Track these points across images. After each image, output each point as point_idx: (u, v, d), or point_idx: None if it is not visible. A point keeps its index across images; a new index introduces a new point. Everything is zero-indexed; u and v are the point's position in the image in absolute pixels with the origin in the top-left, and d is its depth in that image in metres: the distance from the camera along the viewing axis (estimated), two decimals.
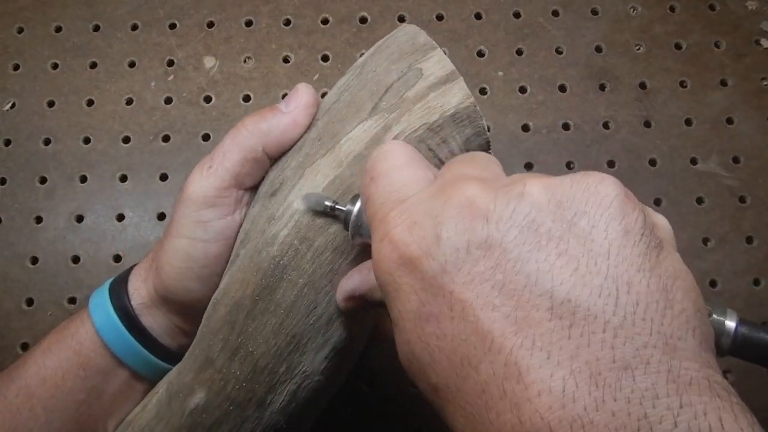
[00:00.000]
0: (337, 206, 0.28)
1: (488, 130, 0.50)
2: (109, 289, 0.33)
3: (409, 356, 0.21)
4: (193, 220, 0.30)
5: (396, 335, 0.22)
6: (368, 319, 0.33)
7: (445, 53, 0.30)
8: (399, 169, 0.25)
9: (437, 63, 0.29)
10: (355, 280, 0.28)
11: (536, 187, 0.20)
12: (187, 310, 0.33)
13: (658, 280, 0.18)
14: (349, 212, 0.28)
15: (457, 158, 0.27)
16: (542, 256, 0.19)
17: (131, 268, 0.35)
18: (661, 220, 0.21)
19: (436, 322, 0.20)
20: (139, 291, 0.33)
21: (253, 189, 0.32)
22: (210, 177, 0.30)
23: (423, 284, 0.21)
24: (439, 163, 0.29)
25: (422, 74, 0.29)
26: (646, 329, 0.17)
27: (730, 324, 0.23)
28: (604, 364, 0.17)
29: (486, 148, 0.31)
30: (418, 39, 0.30)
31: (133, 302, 0.33)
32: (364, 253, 0.30)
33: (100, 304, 0.33)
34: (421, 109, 0.29)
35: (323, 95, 0.51)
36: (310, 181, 0.29)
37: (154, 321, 0.33)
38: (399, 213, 0.22)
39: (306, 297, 0.29)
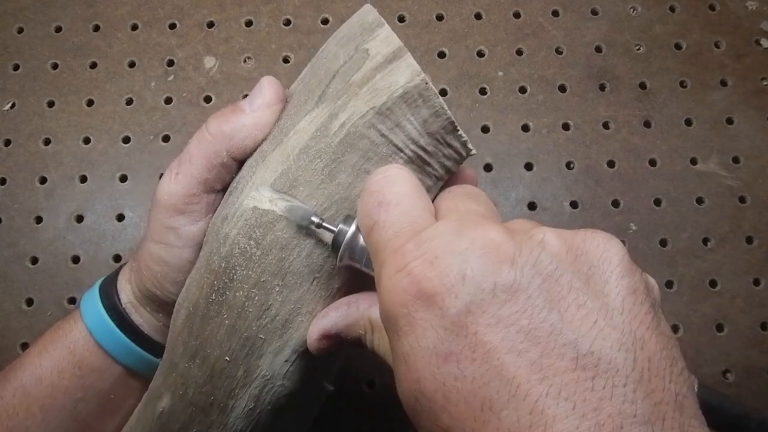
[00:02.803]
0: (324, 224, 0.27)
1: (489, 130, 0.50)
2: (99, 289, 0.34)
3: (417, 395, 0.21)
4: (164, 226, 0.30)
5: (401, 372, 0.22)
6: None
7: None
8: (411, 198, 0.24)
9: (383, 41, 0.27)
10: (332, 318, 0.27)
11: (554, 238, 0.21)
12: (170, 309, 0.33)
13: (662, 338, 0.20)
14: (342, 232, 0.26)
15: (458, 191, 0.27)
16: (564, 306, 0.19)
17: (120, 267, 0.35)
18: (652, 281, 0.22)
19: (455, 362, 0.20)
20: (125, 290, 0.33)
21: (225, 191, 0.31)
22: (178, 184, 0.29)
23: (443, 321, 0.20)
24: (396, 151, 0.28)
25: (368, 55, 0.27)
26: (660, 386, 0.18)
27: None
28: (626, 419, 0.17)
29: (451, 129, 0.28)
30: (366, 18, 0.28)
31: (122, 301, 0.33)
32: (318, 250, 0.28)
33: (91, 304, 0.33)
34: (368, 93, 0.27)
35: None
36: (260, 177, 0.28)
37: (143, 319, 0.33)
38: (417, 245, 0.22)
39: (256, 297, 0.28)
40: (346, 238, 0.26)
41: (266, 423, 0.30)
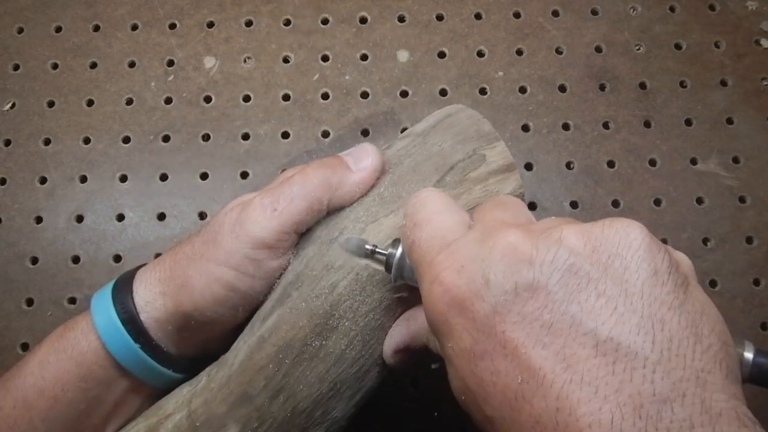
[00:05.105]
0: (377, 250, 0.30)
1: None
2: (113, 299, 0.32)
3: (464, 390, 0.23)
4: (247, 256, 0.30)
5: (450, 371, 0.24)
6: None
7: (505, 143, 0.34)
8: (440, 215, 0.27)
9: (500, 153, 0.33)
10: (397, 334, 0.30)
11: (572, 233, 0.22)
12: (206, 327, 0.32)
13: (687, 316, 0.20)
14: (392, 255, 0.29)
15: (488, 203, 0.28)
16: (584, 297, 0.21)
17: (133, 273, 0.34)
18: (682, 257, 0.24)
19: (489, 359, 0.22)
20: (153, 304, 0.32)
21: (305, 233, 0.32)
22: (274, 220, 0.30)
23: (475, 324, 0.22)
24: None
25: (486, 160, 0.33)
26: (680, 364, 0.19)
27: (748, 355, 0.24)
28: (645, 398, 0.19)
29: None
30: (482, 127, 0.34)
31: (142, 315, 0.32)
32: (407, 304, 0.31)
33: (105, 316, 0.32)
34: (480, 191, 0.32)
35: (323, 95, 0.51)
36: (373, 237, 0.31)
37: (162, 333, 0.32)
38: (446, 257, 0.24)
39: (355, 348, 0.30)
40: (395, 260, 0.29)
41: None
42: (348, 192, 0.32)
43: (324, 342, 0.30)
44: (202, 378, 0.32)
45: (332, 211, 0.32)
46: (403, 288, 0.31)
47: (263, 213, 0.30)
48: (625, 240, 0.22)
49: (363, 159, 0.32)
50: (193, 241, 0.33)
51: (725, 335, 0.21)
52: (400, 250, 0.29)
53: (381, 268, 0.30)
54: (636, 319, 0.20)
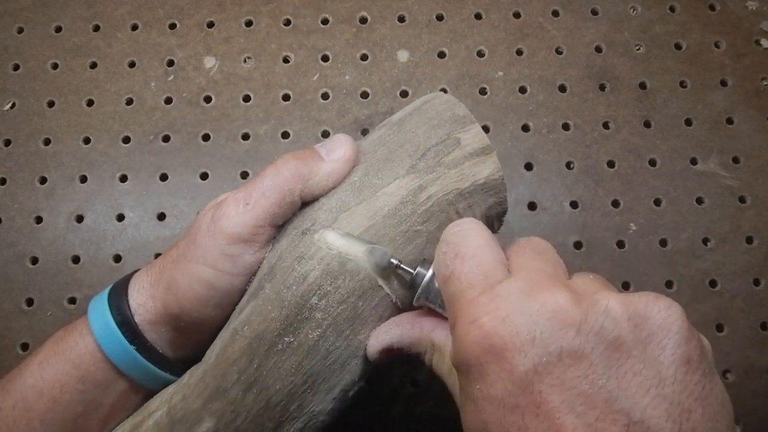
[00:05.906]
0: (401, 266, 0.29)
1: (489, 130, 0.50)
2: (109, 302, 0.33)
3: None
4: (223, 253, 0.30)
5: (469, 409, 0.24)
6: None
7: (484, 129, 0.33)
8: (483, 251, 0.27)
9: (475, 136, 0.32)
10: (395, 334, 0.29)
11: (617, 305, 0.23)
12: (196, 328, 0.32)
13: (709, 409, 0.22)
14: (420, 275, 0.29)
15: (527, 247, 0.28)
16: (621, 373, 0.22)
17: (128, 277, 0.34)
18: (706, 343, 0.24)
19: (520, 415, 0.22)
20: (144, 306, 0.32)
21: (282, 227, 0.32)
22: (246, 214, 0.30)
23: (511, 376, 0.22)
24: None
25: (460, 143, 0.32)
26: None
27: None
28: None
29: (503, 215, 0.33)
30: (457, 111, 0.33)
31: (136, 318, 0.32)
32: (386, 300, 0.31)
33: (101, 319, 0.32)
34: (456, 175, 0.31)
35: (323, 95, 0.51)
36: (345, 226, 0.30)
37: (157, 335, 0.33)
38: (489, 300, 0.24)
39: (328, 339, 0.30)
40: (423, 282, 0.29)
41: None
42: (320, 182, 0.31)
43: (296, 333, 0.29)
44: (186, 375, 0.32)
45: (306, 201, 0.32)
46: (421, 308, 0.30)
47: (236, 208, 0.31)
48: (666, 322, 0.23)
49: (336, 149, 0.32)
50: (179, 244, 0.33)
51: (736, 431, 0.22)
52: (430, 273, 0.29)
53: (387, 284, 0.30)
54: (666, 405, 0.21)
